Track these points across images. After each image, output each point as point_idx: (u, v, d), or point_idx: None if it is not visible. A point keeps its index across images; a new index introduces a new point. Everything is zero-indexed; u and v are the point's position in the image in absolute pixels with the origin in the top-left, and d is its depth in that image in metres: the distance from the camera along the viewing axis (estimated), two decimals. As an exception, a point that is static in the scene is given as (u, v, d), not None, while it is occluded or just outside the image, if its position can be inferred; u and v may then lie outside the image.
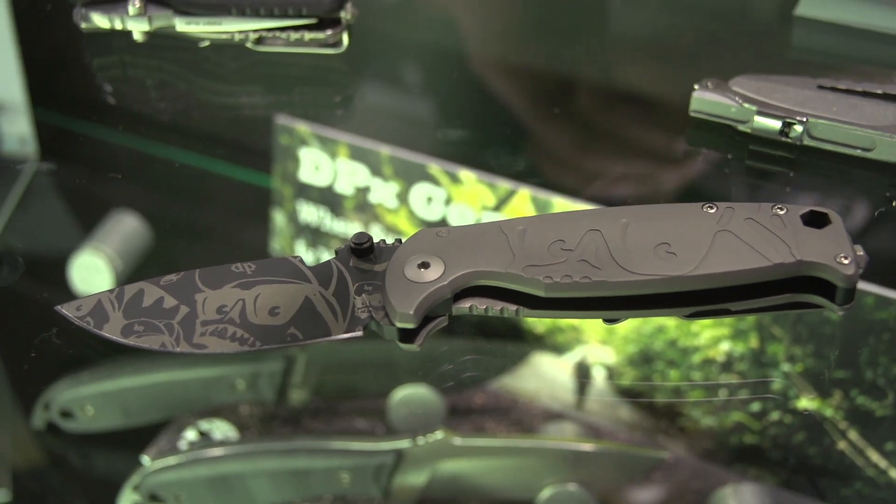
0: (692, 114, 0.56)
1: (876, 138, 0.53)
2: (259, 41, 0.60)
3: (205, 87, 0.63)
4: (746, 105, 0.54)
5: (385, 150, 0.70)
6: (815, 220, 0.43)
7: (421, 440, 0.62)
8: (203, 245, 0.77)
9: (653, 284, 0.41)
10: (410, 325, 0.43)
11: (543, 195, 0.66)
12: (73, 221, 0.82)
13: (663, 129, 0.60)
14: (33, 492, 0.71)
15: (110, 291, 0.46)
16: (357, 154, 0.71)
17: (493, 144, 0.68)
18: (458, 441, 0.62)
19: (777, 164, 0.55)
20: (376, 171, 0.70)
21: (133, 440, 0.69)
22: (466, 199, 0.69)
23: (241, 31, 0.60)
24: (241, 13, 0.59)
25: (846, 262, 0.41)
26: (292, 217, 0.74)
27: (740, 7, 0.66)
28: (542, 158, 0.68)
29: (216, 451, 0.64)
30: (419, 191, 0.70)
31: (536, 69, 0.70)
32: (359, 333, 0.43)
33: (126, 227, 0.80)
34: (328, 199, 0.73)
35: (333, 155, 0.71)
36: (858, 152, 0.53)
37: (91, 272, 0.77)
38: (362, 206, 0.72)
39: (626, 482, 0.65)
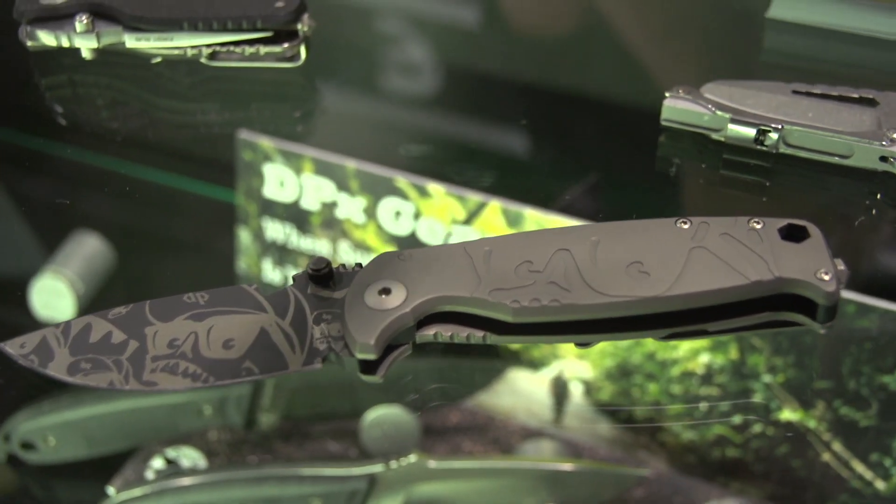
0: (663, 122, 0.54)
1: (854, 144, 0.51)
2: (213, 56, 0.58)
3: (159, 105, 0.61)
4: (720, 113, 0.52)
5: (351, 164, 0.68)
6: (794, 234, 0.41)
7: (394, 464, 0.61)
8: (167, 265, 0.75)
9: (626, 307, 0.40)
10: (371, 356, 0.41)
11: (515, 208, 0.64)
12: (32, 244, 0.80)
13: (633, 139, 0.59)
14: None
15: (56, 326, 0.44)
16: (322, 169, 0.69)
17: (458, 157, 0.66)
18: (432, 464, 0.61)
19: (752, 174, 0.53)
20: (343, 185, 0.69)
21: (98, 470, 0.67)
22: (436, 213, 0.67)
23: (193, 47, 0.58)
24: (194, 28, 0.57)
25: (827, 277, 0.39)
26: (258, 235, 0.73)
27: (711, 10, 0.65)
28: (510, 171, 0.67)
29: (183, 481, 0.62)
30: (387, 205, 0.68)
31: (501, 79, 0.68)
32: (317, 366, 0.41)
33: (87, 249, 0.78)
34: (294, 215, 0.71)
35: (298, 170, 0.70)
36: (836, 159, 0.51)
37: (52, 296, 0.75)
38: (329, 222, 0.70)
39: (607, 500, 0.64)
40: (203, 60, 0.57)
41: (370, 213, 0.69)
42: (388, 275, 0.41)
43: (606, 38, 0.67)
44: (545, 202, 0.62)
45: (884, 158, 0.51)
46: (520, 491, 0.62)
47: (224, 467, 0.64)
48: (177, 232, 0.77)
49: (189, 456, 0.68)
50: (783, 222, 0.41)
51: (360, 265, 0.44)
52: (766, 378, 0.63)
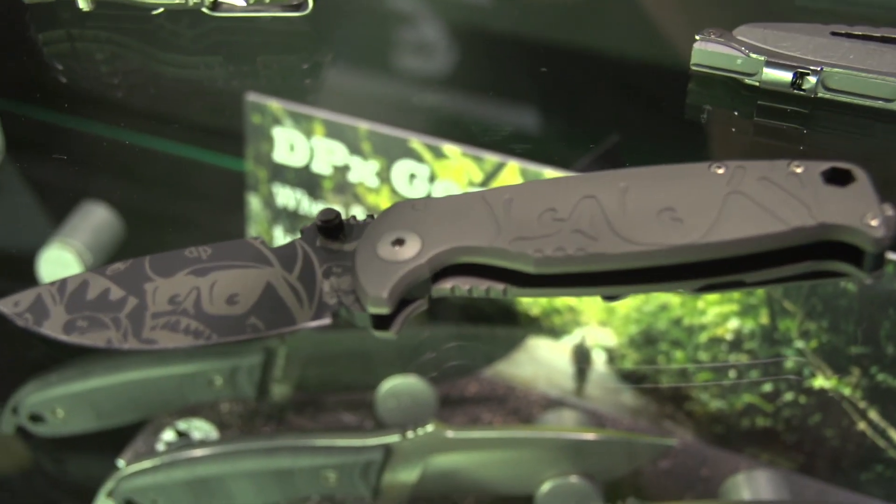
0: (693, 68, 0.52)
1: (898, 86, 0.48)
2: (215, 6, 0.55)
3: (161, 59, 0.59)
4: (754, 55, 0.49)
5: (363, 126, 0.66)
6: (838, 178, 0.38)
7: (411, 434, 0.59)
8: (177, 234, 0.74)
9: (657, 255, 0.37)
10: (384, 311, 0.39)
11: (534, 168, 0.62)
12: (39, 214, 0.79)
13: (662, 86, 0.56)
14: (3, 500, 0.68)
15: (52, 284, 0.42)
16: (333, 131, 0.67)
17: (476, 114, 0.63)
18: (450, 434, 0.59)
19: (790, 120, 0.51)
20: (354, 148, 0.67)
21: (107, 443, 0.66)
22: (452, 174, 0.65)
23: (195, -5, 0.55)
24: (195, -26, 0.54)
25: (875, 223, 0.37)
26: (268, 201, 0.71)
27: None
28: (531, 126, 0.64)
29: (194, 453, 0.61)
30: (401, 168, 0.66)
31: (522, 29, 0.66)
32: (327, 321, 0.39)
33: (95, 219, 0.77)
34: (305, 180, 0.69)
35: (308, 133, 0.68)
36: (879, 103, 0.48)
37: (60, 267, 0.74)
38: (341, 186, 0.68)
39: (631, 472, 0.62)
40: (205, 10, 0.55)
41: (384, 176, 0.67)
42: (402, 225, 0.39)
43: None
44: (567, 161, 0.60)
45: (930, 99, 0.48)
46: (540, 461, 0.60)
47: (235, 439, 0.63)
48: (186, 199, 0.76)
49: (200, 428, 0.67)
50: (826, 165, 0.38)
51: (372, 217, 0.42)
52: (799, 343, 0.61)
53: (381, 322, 0.39)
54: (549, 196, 0.38)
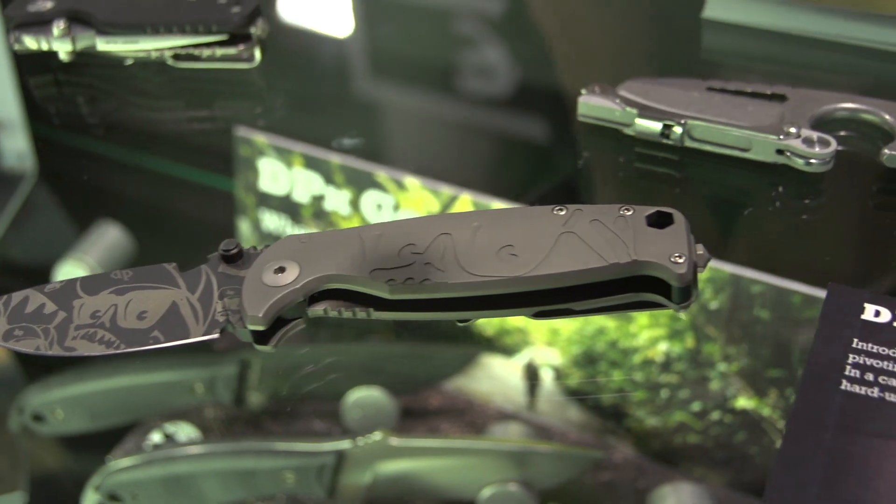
0: (580, 118, 0.57)
1: (752, 138, 0.53)
2: (177, 58, 0.62)
3: (134, 103, 0.66)
4: (628, 108, 0.54)
5: (335, 160, 0.72)
6: (661, 221, 0.43)
7: (361, 441, 0.63)
8: (177, 252, 0.79)
9: (491, 285, 0.42)
10: (261, 327, 0.45)
11: (483, 200, 0.67)
12: (62, 232, 0.85)
13: (557, 134, 0.61)
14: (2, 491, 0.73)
15: (0, 298, 0.49)
16: (311, 163, 0.72)
17: (389, 143, 0.68)
18: (395, 441, 0.63)
19: (662, 166, 0.55)
20: (329, 179, 0.72)
21: (100, 443, 0.71)
22: (412, 204, 0.70)
23: (157, 49, 0.62)
24: (156, 32, 0.61)
25: (680, 261, 0.42)
26: (256, 225, 0.76)
27: (652, 9, 0.66)
28: (450, 161, 0.69)
29: (170, 453, 0.66)
30: (369, 198, 0.71)
31: (427, 71, 0.71)
32: (215, 335, 0.45)
33: (108, 238, 0.83)
34: (287, 206, 0.74)
35: (289, 164, 0.73)
36: (736, 153, 0.53)
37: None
38: (318, 213, 0.73)
39: (567, 481, 0.66)
40: (169, 62, 0.61)
41: (354, 205, 0.72)
42: (287, 255, 0.45)
43: (551, 32, 0.68)
44: (518, 194, 0.65)
45: (780, 151, 0.52)
46: (483, 469, 0.64)
47: (205, 441, 0.68)
48: (186, 219, 0.81)
49: (185, 431, 0.72)
50: (653, 209, 0.43)
51: (267, 246, 0.48)
52: (722, 366, 0.64)
53: (261, 337, 0.45)
54: (413, 233, 0.44)
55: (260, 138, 0.73)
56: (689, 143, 0.54)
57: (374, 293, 0.44)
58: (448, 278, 0.42)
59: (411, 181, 0.70)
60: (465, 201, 0.68)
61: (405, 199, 0.71)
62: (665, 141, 0.54)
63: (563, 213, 0.44)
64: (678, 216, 0.43)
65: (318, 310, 0.45)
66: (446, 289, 0.42)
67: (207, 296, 0.46)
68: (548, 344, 0.70)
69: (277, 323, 0.45)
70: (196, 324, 0.46)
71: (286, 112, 0.69)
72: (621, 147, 0.56)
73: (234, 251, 0.47)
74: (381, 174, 0.71)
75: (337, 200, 0.73)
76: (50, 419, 0.70)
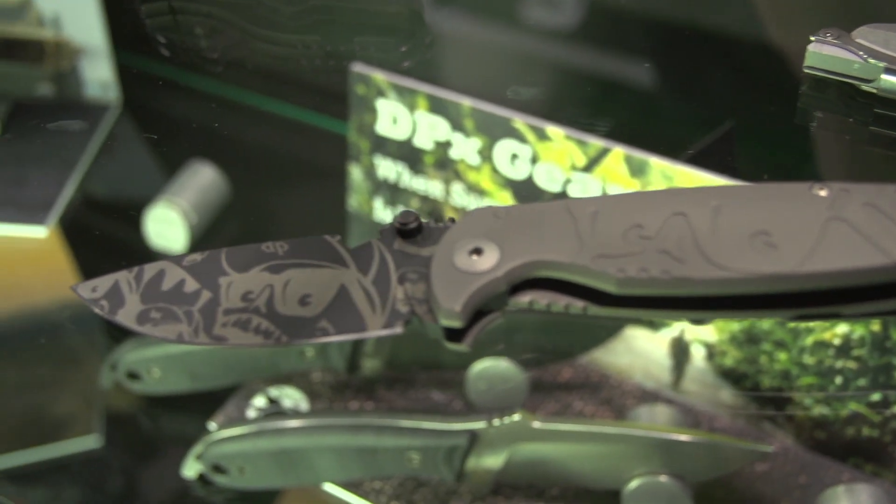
0: (806, 70, 0.48)
1: None
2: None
3: (259, 35, 0.59)
4: (872, 60, 0.46)
5: (466, 103, 0.65)
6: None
7: (497, 421, 0.58)
8: (280, 198, 0.74)
9: (746, 283, 0.35)
10: (457, 324, 0.37)
11: (639, 155, 0.60)
12: (151, 170, 0.80)
13: (773, 86, 0.53)
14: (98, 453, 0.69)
15: (129, 271, 0.42)
16: (437, 106, 0.66)
17: (582, 98, 0.61)
18: (537, 424, 0.58)
19: (908, 131, 0.47)
20: (457, 125, 0.66)
21: (200, 405, 0.67)
22: (554, 157, 0.63)
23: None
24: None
25: None
26: (369, 172, 0.70)
27: None
28: (636, 115, 0.62)
29: (282, 424, 0.61)
30: (503, 147, 0.65)
31: (631, 16, 0.63)
32: (398, 330, 0.38)
33: (202, 179, 0.78)
34: (407, 153, 0.68)
35: (412, 107, 0.67)
36: None
37: (165, 225, 0.76)
38: (442, 162, 0.67)
39: (724, 475, 0.60)
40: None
41: (485, 155, 0.65)
42: (482, 233, 0.37)
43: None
44: (673, 151, 0.58)
45: None
46: (629, 458, 0.58)
47: (322, 413, 0.63)
48: (290, 164, 0.76)
49: (291, 396, 0.67)
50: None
51: (452, 220, 0.40)
52: (912, 354, 0.57)
53: (454, 334, 0.38)
54: (637, 211, 0.36)
55: (379, 76, 0.66)
56: (945, 105, 0.46)
57: (595, 285, 0.36)
58: (692, 272, 0.34)
59: (554, 130, 0.62)
60: (618, 156, 0.61)
61: (546, 151, 0.63)
62: (916, 102, 0.46)
63: (824, 192, 0.35)
64: (981, 202, 0.35)
65: (521, 301, 0.37)
66: (690, 285, 0.35)
67: (384, 279, 0.39)
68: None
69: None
70: (373, 314, 0.38)
71: (441, 52, 0.62)
72: (856, 106, 0.47)
73: (414, 224, 0.39)
74: (519, 121, 0.64)
75: (465, 148, 0.66)
76: (146, 378, 0.66)
